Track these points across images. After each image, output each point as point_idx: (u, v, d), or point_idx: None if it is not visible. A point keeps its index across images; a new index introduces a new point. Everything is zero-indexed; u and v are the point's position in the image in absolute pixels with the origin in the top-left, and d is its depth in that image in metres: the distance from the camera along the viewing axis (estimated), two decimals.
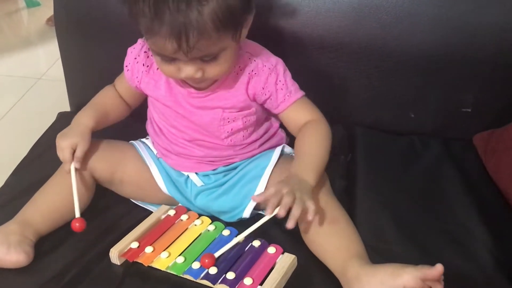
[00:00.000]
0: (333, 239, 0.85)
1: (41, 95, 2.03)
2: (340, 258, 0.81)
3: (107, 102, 1.02)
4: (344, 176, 1.04)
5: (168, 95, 0.94)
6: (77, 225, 0.86)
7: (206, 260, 0.83)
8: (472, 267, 0.86)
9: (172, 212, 0.97)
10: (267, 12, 1.06)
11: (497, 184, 1.03)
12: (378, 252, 0.86)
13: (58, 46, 1.22)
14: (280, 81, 0.92)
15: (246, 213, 0.94)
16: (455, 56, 1.06)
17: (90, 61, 1.19)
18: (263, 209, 0.96)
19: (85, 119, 0.97)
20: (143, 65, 0.95)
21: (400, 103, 1.14)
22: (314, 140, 0.92)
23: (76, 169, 0.92)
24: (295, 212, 0.78)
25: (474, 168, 1.08)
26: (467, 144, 1.14)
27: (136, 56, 0.96)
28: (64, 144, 0.92)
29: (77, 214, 0.87)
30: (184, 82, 0.92)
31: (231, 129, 0.94)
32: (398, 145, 1.14)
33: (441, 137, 1.16)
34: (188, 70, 0.82)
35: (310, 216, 0.79)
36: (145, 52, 0.95)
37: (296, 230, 0.90)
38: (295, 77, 1.08)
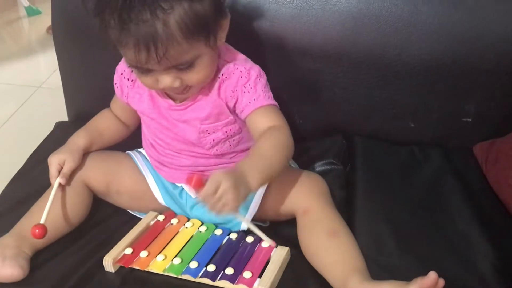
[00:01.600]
0: (333, 253, 0.84)
1: (41, 103, 2.04)
2: (340, 273, 0.81)
3: (101, 122, 1.04)
4: (343, 186, 1.04)
5: (151, 107, 0.93)
6: (36, 232, 0.85)
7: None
8: (473, 278, 0.85)
9: (161, 218, 0.97)
10: (266, 21, 1.06)
11: (497, 194, 1.03)
12: (378, 264, 0.85)
13: None
14: (249, 85, 0.88)
15: (244, 225, 0.93)
16: (455, 65, 1.06)
17: (88, 70, 1.19)
18: (264, 221, 0.96)
19: (76, 138, 0.99)
20: (128, 79, 0.95)
21: (400, 113, 1.14)
22: (269, 144, 0.84)
23: (61, 185, 0.93)
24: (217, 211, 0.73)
25: (474, 178, 1.08)
26: (467, 154, 1.14)
27: (122, 71, 0.96)
28: (52, 160, 0.94)
29: (42, 220, 0.87)
30: (165, 94, 0.91)
31: (213, 140, 0.93)
32: (398, 155, 1.13)
33: (441, 147, 1.15)
34: (165, 80, 0.81)
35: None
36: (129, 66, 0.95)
37: (290, 235, 0.91)
38: (294, 86, 1.07)
